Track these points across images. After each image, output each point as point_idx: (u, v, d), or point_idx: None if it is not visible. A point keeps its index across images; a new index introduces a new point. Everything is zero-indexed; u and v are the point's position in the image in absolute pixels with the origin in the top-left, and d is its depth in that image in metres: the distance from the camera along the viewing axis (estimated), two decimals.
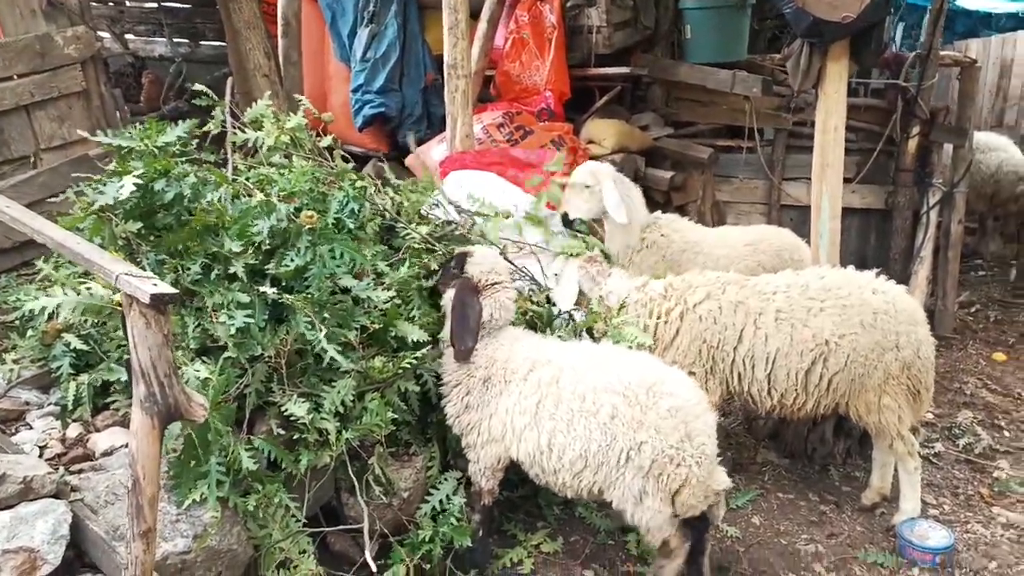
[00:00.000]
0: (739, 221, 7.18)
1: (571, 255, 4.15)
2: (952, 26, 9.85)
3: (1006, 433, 4.95)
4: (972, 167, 6.60)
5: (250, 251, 2.93)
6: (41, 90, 4.56)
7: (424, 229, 3.86)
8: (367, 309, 3.21)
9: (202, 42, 7.83)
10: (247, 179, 3.40)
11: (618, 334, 3.53)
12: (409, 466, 3.38)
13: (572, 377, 2.97)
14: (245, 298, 2.76)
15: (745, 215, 7.17)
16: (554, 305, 3.85)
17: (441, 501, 3.24)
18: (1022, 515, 4.09)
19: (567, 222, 4.63)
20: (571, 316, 4.05)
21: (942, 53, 6.37)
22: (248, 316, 2.74)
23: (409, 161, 6.50)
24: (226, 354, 2.70)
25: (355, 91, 7.16)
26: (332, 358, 2.79)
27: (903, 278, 6.38)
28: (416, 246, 3.77)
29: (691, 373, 3.72)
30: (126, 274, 2.02)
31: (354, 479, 2.94)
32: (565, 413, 2.92)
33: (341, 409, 2.94)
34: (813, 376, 3.60)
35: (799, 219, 6.95)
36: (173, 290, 2.02)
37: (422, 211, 4.16)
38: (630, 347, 3.48)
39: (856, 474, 4.40)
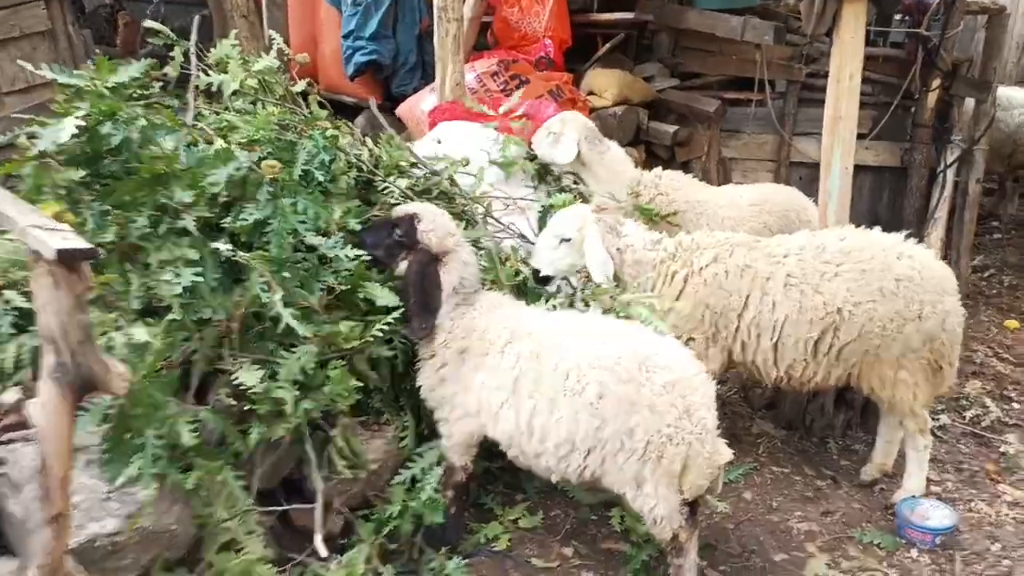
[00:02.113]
0: (746, 179, 6.88)
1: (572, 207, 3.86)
2: None
3: (1015, 405, 4.72)
4: (992, 125, 6.25)
5: (203, 203, 2.70)
6: (1, 28, 4.28)
7: (403, 183, 3.62)
8: (335, 269, 2.99)
9: None
10: (208, 125, 3.15)
11: (627, 313, 3.21)
12: (380, 436, 3.20)
13: (555, 351, 2.74)
14: (194, 254, 2.54)
15: (752, 172, 6.85)
16: (530, 269, 3.57)
17: (415, 475, 3.06)
18: None
19: (542, 174, 4.50)
20: (568, 281, 3.79)
21: (968, 0, 5.97)
22: (197, 275, 2.52)
23: (400, 111, 6.19)
24: (171, 316, 2.48)
25: (346, 37, 6.82)
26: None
27: (916, 239, 6.11)
28: (394, 201, 3.53)
29: (690, 339, 3.51)
30: (34, 226, 1.79)
31: (311, 453, 2.74)
32: (547, 391, 2.70)
33: (301, 377, 2.73)
34: (823, 346, 3.36)
35: (808, 177, 6.65)
36: (87, 245, 1.79)
37: (402, 164, 3.91)
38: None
39: (856, 447, 4.19)
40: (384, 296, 2.92)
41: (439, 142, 4.57)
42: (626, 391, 2.62)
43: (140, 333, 2.40)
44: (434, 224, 2.96)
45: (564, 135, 4.46)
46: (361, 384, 2.86)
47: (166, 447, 2.41)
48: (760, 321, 3.41)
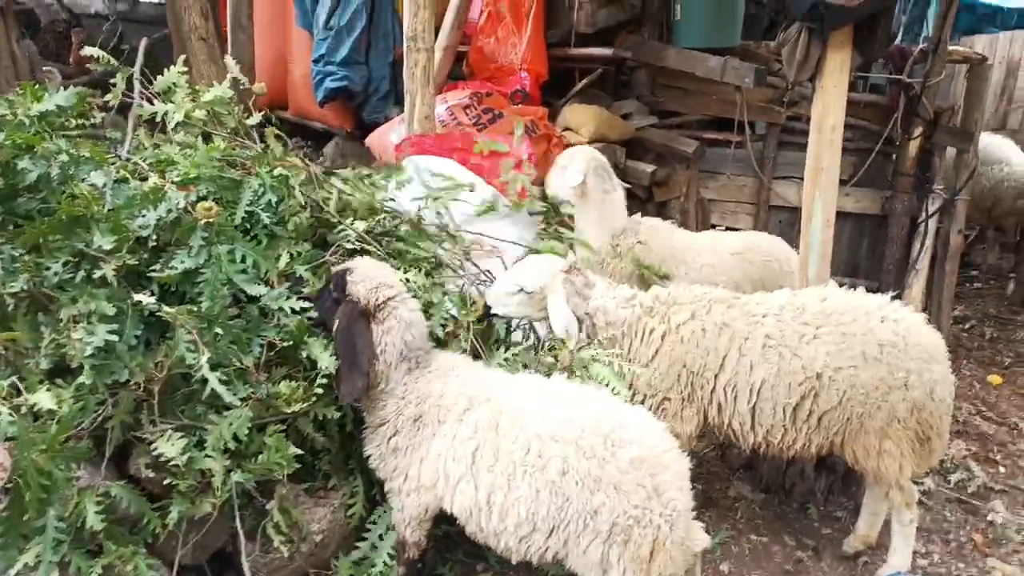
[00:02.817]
0: (724, 221, 6.72)
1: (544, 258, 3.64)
2: (955, 22, 9.34)
3: (1001, 469, 4.53)
4: (973, 176, 6.15)
5: (126, 249, 2.41)
6: None
7: (361, 225, 3.36)
8: (279, 323, 2.72)
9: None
10: (144, 160, 2.87)
11: (585, 373, 2.99)
12: (326, 504, 2.91)
13: (514, 421, 2.48)
14: (110, 309, 2.24)
15: (731, 214, 6.69)
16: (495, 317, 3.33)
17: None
18: (1019, 568, 3.67)
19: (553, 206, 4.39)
20: (534, 329, 3.56)
21: (950, 49, 5.88)
22: (113, 331, 2.22)
23: (370, 141, 5.95)
24: (81, 379, 2.18)
25: (316, 62, 6.61)
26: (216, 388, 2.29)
27: (897, 290, 5.96)
28: (350, 245, 3.27)
29: (666, 399, 3.28)
30: None
31: (240, 532, 2.44)
32: (506, 466, 2.44)
33: (233, 445, 2.45)
34: (802, 412, 3.14)
35: (788, 221, 6.50)
36: None
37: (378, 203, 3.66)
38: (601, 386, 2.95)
39: (838, 514, 3.96)
40: (324, 357, 2.64)
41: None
42: (589, 467, 2.37)
43: (45, 399, 2.10)
44: (365, 277, 2.71)
45: (571, 165, 4.29)
46: (300, 452, 2.57)
47: (69, 530, 2.11)
48: (737, 383, 3.19)
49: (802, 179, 4.16)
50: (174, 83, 3.17)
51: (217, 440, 2.39)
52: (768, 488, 4.10)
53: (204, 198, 2.71)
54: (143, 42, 3.43)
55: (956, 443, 4.66)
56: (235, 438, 2.44)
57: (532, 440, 2.43)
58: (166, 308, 2.28)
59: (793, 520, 3.92)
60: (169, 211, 2.49)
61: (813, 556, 3.64)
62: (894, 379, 3.05)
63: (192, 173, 2.67)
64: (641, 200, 6.45)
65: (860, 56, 3.71)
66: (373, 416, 2.69)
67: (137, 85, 3.22)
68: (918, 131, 5.72)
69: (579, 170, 4.25)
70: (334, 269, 2.85)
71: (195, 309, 2.35)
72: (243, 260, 2.52)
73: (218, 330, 2.40)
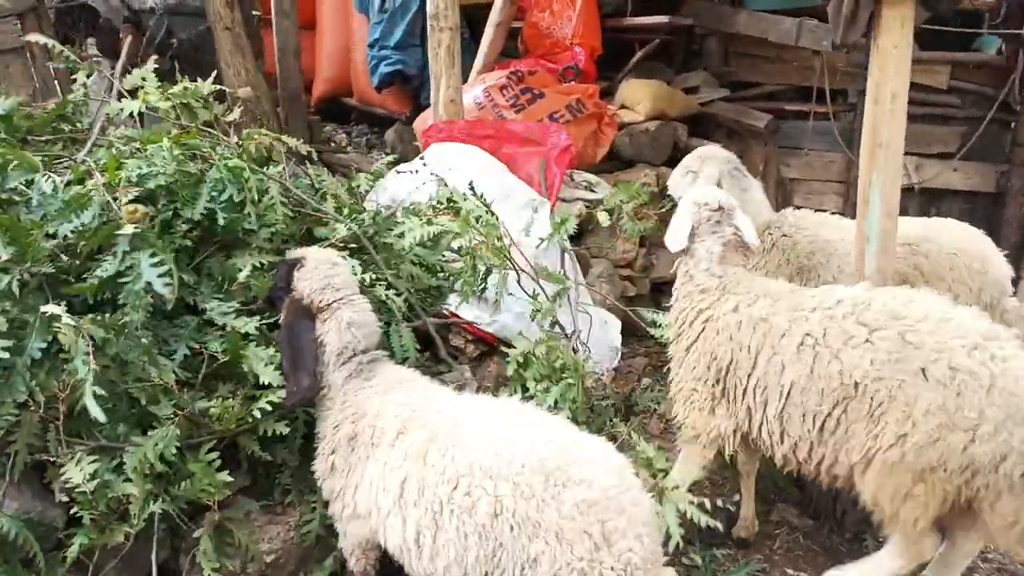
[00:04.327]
0: (809, 202, 6.06)
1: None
2: None
3: None
4: None
5: (39, 257, 2.29)
6: None
7: (342, 228, 3.13)
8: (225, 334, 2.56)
9: None
10: (96, 161, 2.76)
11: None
12: (281, 521, 2.73)
13: (445, 451, 2.17)
14: (2, 323, 2.12)
15: (816, 195, 6.02)
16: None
17: None
18: None
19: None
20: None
21: None
22: (6, 348, 2.10)
23: (416, 125, 5.75)
24: None
25: (371, 46, 6.46)
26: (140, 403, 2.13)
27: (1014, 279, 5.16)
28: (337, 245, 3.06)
29: (694, 390, 2.94)
30: None
31: (154, 564, 2.29)
32: (432, 503, 2.14)
33: (160, 468, 2.29)
34: (830, 425, 2.65)
35: None
36: None
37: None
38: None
39: None
40: (267, 373, 2.44)
41: (424, 165, 4.09)
42: (527, 510, 2.03)
43: None
44: (313, 273, 2.48)
45: (702, 172, 3.94)
46: (230, 480, 2.39)
47: None
48: (768, 384, 2.75)
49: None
50: (144, 78, 3.05)
51: (140, 463, 2.24)
52: (817, 515, 3.58)
53: (148, 198, 2.57)
54: (127, 40, 3.34)
55: None
56: (161, 459, 2.29)
57: (462, 475, 2.11)
58: (67, 319, 2.13)
59: (843, 554, 3.38)
60: (93, 217, 2.35)
61: None
62: (962, 418, 2.44)
63: (141, 171, 2.52)
64: None
65: (926, 9, 3.08)
66: (319, 427, 2.47)
67: (116, 83, 3.15)
68: None
69: (711, 181, 3.84)
70: (289, 254, 2.66)
71: (99, 319, 2.19)
72: (161, 265, 2.34)
73: (130, 342, 2.25)
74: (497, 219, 3.25)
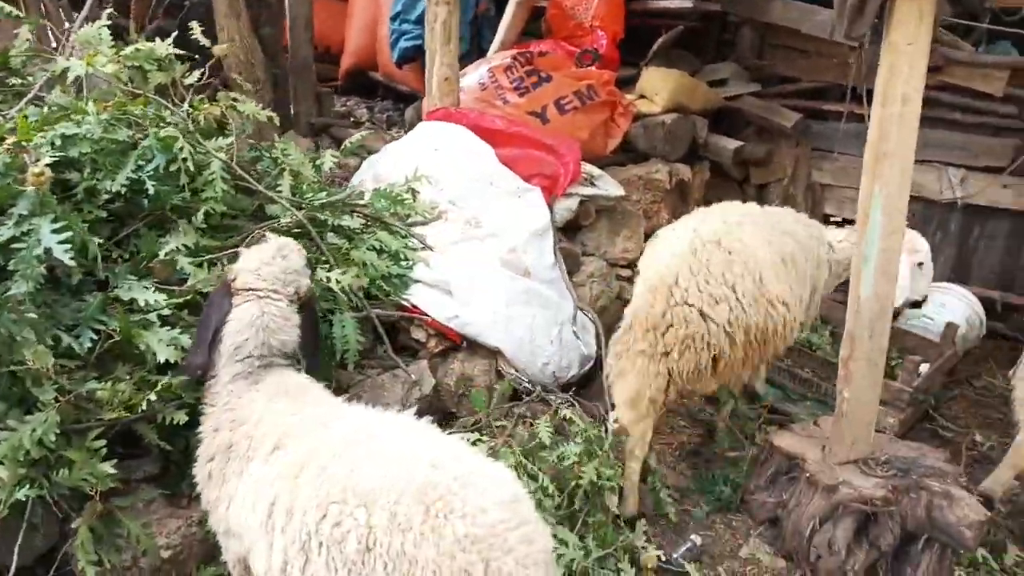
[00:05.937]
0: (841, 211, 5.64)
1: None
2: None
3: None
4: None
5: None
6: None
7: (282, 211, 2.95)
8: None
9: None
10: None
11: None
12: (182, 516, 2.57)
13: (319, 472, 1.95)
14: None
15: (850, 202, 5.57)
16: None
17: None
18: None
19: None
20: None
21: None
22: None
23: (424, 104, 5.51)
24: None
25: (393, 20, 6.25)
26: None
27: None
28: (280, 227, 2.89)
29: None
30: None
31: (15, 555, 2.15)
32: (298, 531, 1.93)
33: (36, 453, 2.15)
34: None
35: (923, 216, 5.34)
36: None
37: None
38: None
39: None
40: (163, 350, 2.28)
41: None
42: (402, 545, 1.80)
43: None
44: (256, 253, 2.34)
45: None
46: (113, 472, 2.23)
47: None
48: None
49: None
50: (94, 37, 2.90)
51: (13, 448, 2.10)
52: (789, 554, 3.27)
53: (71, 164, 2.43)
54: (88, 2, 3.20)
55: None
56: (40, 444, 2.15)
57: (333, 500, 1.89)
58: None
59: None
60: None
61: None
62: None
63: (66, 134, 2.37)
64: (737, 181, 5.55)
65: (951, 4, 2.71)
66: (201, 424, 2.27)
67: (67, 43, 3.02)
68: None
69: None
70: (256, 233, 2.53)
71: None
72: (64, 231, 2.19)
73: (12, 316, 2.10)
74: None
